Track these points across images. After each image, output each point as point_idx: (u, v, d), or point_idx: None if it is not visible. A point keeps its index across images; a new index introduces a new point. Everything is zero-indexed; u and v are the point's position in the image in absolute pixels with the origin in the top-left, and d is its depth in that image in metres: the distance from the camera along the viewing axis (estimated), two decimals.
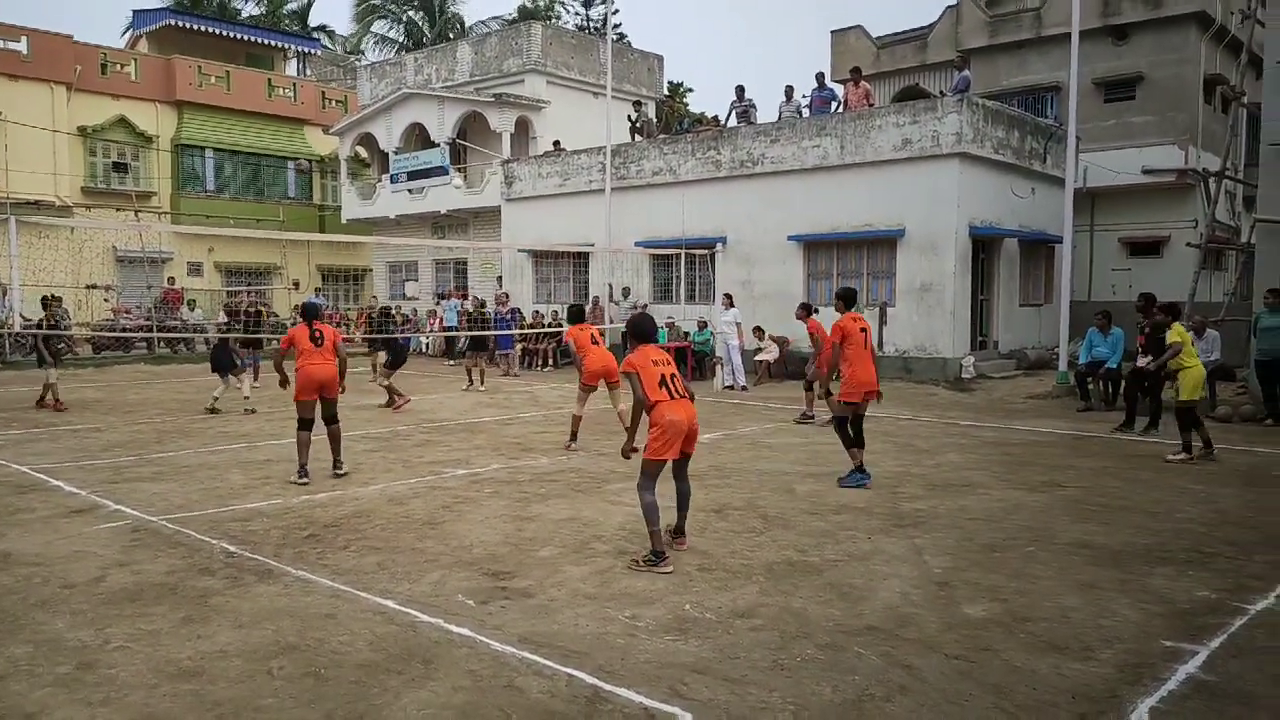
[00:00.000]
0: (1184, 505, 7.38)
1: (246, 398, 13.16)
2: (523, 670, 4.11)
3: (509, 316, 19.08)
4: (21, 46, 27.42)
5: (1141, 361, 11.41)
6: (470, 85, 27.15)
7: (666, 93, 34.02)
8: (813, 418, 12.46)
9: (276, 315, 23.46)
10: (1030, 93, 23.32)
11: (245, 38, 34.35)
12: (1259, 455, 9.80)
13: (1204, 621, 4.72)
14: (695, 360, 18.83)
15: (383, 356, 15.04)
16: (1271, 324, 11.88)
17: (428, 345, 25.78)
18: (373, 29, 42.44)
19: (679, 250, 18.58)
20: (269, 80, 33.52)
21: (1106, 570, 5.60)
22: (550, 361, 21.41)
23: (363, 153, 30.66)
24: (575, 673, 4.07)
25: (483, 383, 16.63)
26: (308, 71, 39.09)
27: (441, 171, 26.18)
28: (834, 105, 19.41)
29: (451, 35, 40.13)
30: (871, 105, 18.79)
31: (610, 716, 3.69)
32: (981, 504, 7.43)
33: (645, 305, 20.27)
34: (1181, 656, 4.27)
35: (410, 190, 27.28)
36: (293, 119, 33.84)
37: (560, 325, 20.12)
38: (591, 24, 43.58)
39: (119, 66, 30.09)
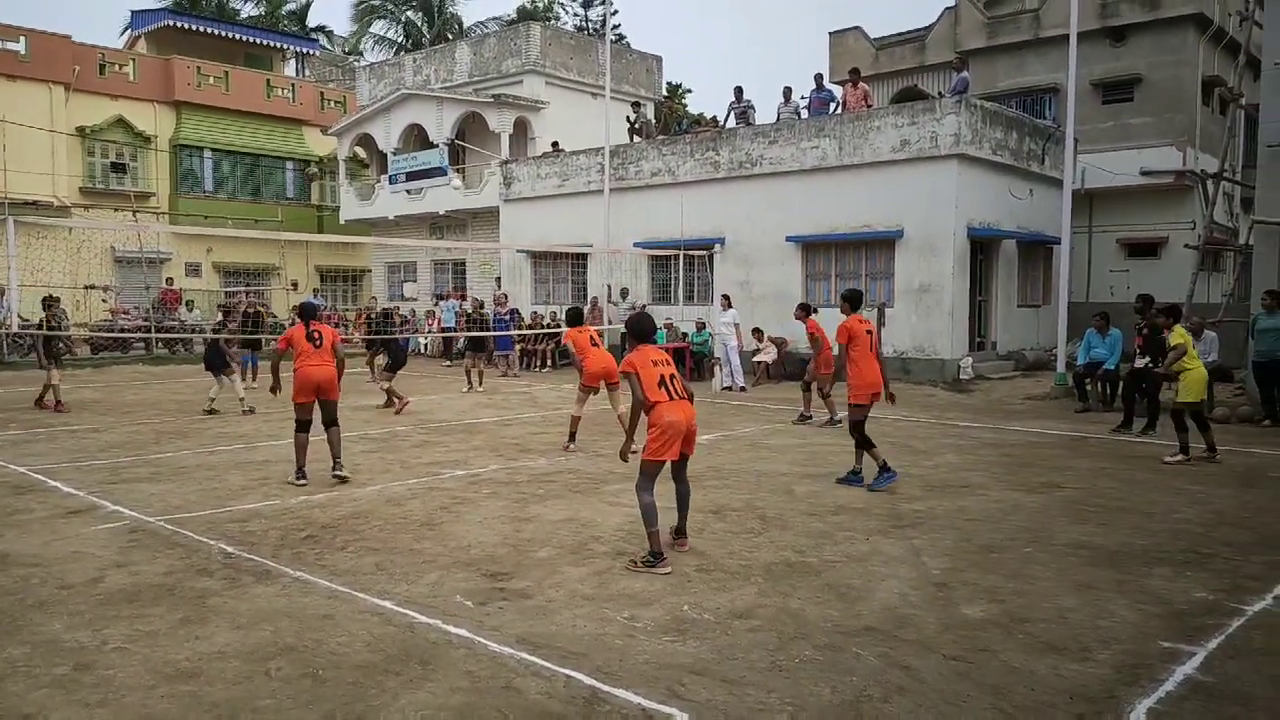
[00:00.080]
0: (1181, 506, 7.39)
1: (241, 399, 13.16)
2: (521, 671, 4.11)
3: (508, 317, 19.09)
4: (20, 46, 27.42)
5: (1140, 362, 11.43)
6: (469, 86, 27.15)
7: (665, 94, 34.02)
8: (810, 418, 12.47)
9: (275, 316, 23.47)
10: (1028, 94, 23.35)
11: (244, 38, 34.35)
12: (1256, 456, 9.81)
13: (1201, 622, 4.73)
14: (694, 361, 18.84)
15: (382, 359, 15.02)
16: (1269, 325, 11.89)
17: (426, 346, 25.78)
18: (371, 29, 42.48)
19: (677, 251, 18.58)
20: (267, 81, 33.52)
21: (1104, 571, 5.60)
22: (549, 362, 21.42)
23: (361, 153, 30.66)
24: (573, 673, 4.07)
25: (481, 383, 16.63)
26: (306, 72, 39.10)
27: (440, 172, 26.19)
28: (832, 106, 19.43)
29: (450, 36, 40.16)
30: (870, 106, 18.81)
31: (608, 717, 3.69)
32: (980, 505, 7.43)
33: (644, 306, 20.27)
34: (1179, 657, 4.27)
35: (409, 191, 27.28)
36: (291, 119, 33.84)
37: (559, 326, 20.12)
38: (590, 25, 43.61)
39: (117, 67, 30.08)
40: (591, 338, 10.53)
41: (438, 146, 26.50)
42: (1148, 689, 3.94)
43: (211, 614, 4.83)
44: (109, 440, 10.71)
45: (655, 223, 20.57)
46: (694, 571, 5.57)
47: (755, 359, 17.97)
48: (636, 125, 22.77)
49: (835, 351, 9.00)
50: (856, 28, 27.75)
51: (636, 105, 24.13)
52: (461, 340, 18.88)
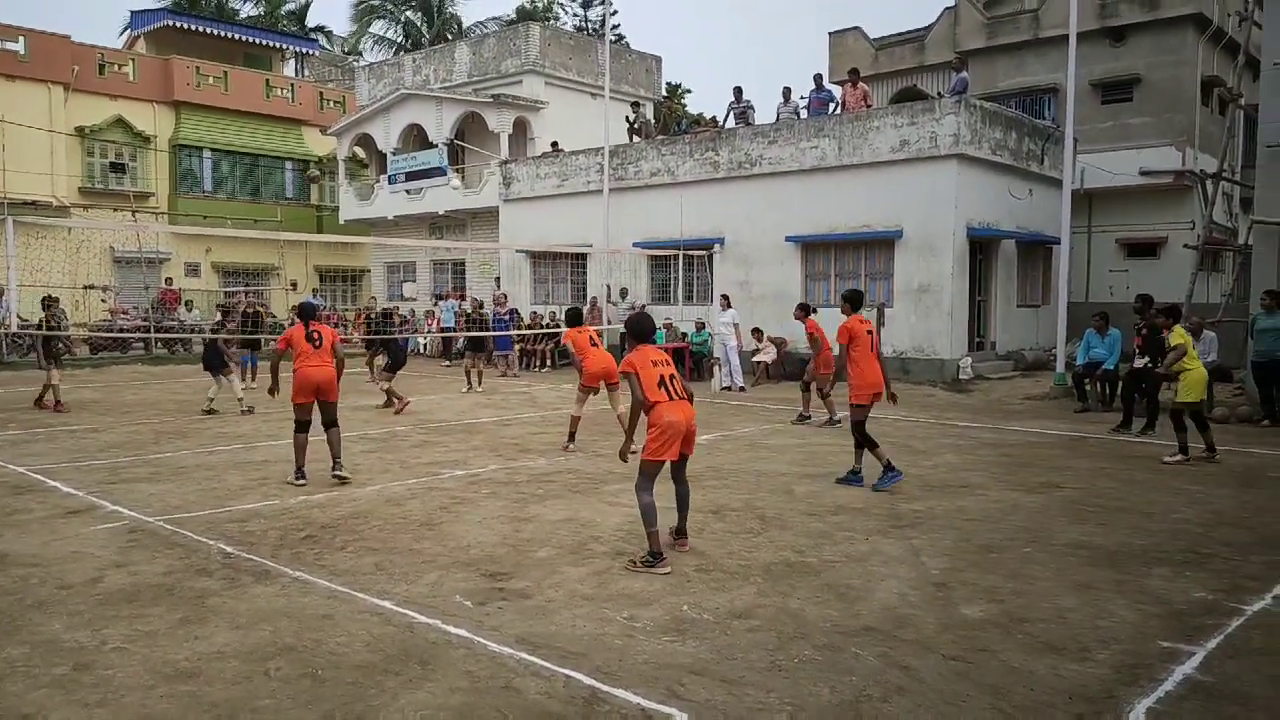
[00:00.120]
0: (1180, 506, 7.39)
1: (240, 399, 13.16)
2: (520, 671, 4.11)
3: (507, 317, 19.08)
4: (19, 46, 27.40)
5: (1139, 363, 11.43)
6: (468, 86, 27.15)
7: (665, 94, 34.03)
8: (809, 418, 12.47)
9: (274, 316, 23.46)
10: (1028, 94, 23.35)
11: (243, 38, 34.34)
12: (1255, 456, 9.82)
13: (1200, 622, 4.73)
14: (693, 361, 18.84)
15: (382, 360, 15.01)
16: (1268, 325, 11.90)
17: (425, 346, 25.78)
18: (371, 29, 42.47)
19: (677, 251, 18.58)
20: (267, 81, 33.52)
21: (1103, 571, 5.60)
22: (548, 362, 21.42)
23: (361, 153, 30.66)
24: (573, 674, 4.07)
25: (480, 384, 16.63)
26: (305, 72, 39.08)
27: (440, 172, 26.19)
28: (832, 106, 19.43)
29: (449, 36, 40.17)
30: (869, 106, 18.81)
31: (607, 717, 3.69)
32: (979, 505, 7.43)
33: (643, 306, 20.26)
34: (1178, 657, 4.28)
35: (408, 191, 27.28)
36: (291, 119, 33.84)
37: (558, 326, 20.12)
38: (590, 25, 43.62)
39: (117, 67, 30.07)
40: (591, 338, 10.53)
41: (437, 146, 26.50)
42: (1147, 689, 3.94)
43: (211, 614, 4.83)
44: (108, 440, 10.71)
45: (655, 223, 20.57)
46: (693, 571, 5.57)
47: (755, 359, 17.97)
48: (636, 125, 22.78)
49: (836, 352, 9.01)
50: (856, 28, 27.76)
51: (636, 105, 24.14)
52: (461, 340, 18.87)
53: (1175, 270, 20.13)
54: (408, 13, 42.48)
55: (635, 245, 20.50)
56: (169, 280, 27.77)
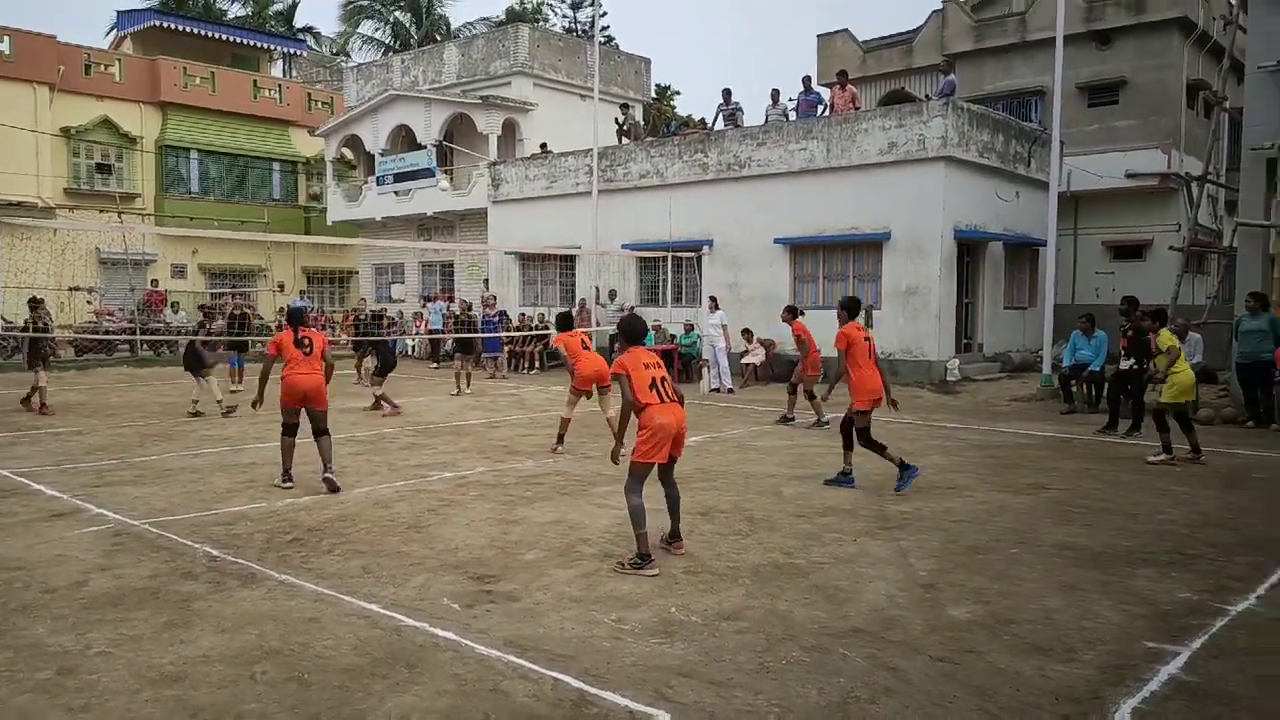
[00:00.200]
0: (1166, 507, 7.43)
1: (219, 401, 13.07)
2: (508, 674, 4.10)
3: (496, 319, 19.05)
4: (4, 46, 27.17)
5: (1124, 364, 11.50)
6: (457, 87, 27.10)
7: (654, 95, 34.04)
8: (793, 419, 12.50)
9: (261, 318, 23.35)
10: (1015, 97, 23.47)
11: (230, 39, 34.16)
12: (1240, 457, 9.89)
13: (1185, 623, 4.76)
14: (682, 363, 18.85)
15: (370, 362, 14.94)
16: (1252, 327, 12.00)
17: (414, 348, 25.71)
18: (359, 30, 42.33)
19: (666, 253, 18.59)
20: (254, 81, 33.34)
21: (1089, 572, 5.63)
22: (537, 364, 21.39)
23: (349, 154, 30.56)
24: (561, 676, 4.06)
25: (469, 385, 16.59)
26: (293, 73, 38.92)
27: (428, 173, 26.12)
28: (820, 109, 19.48)
29: (438, 37, 40.05)
30: (858, 109, 18.87)
31: None
32: (966, 506, 7.46)
33: (633, 308, 20.27)
34: (1163, 657, 4.30)
35: (396, 192, 27.20)
36: (278, 120, 33.67)
37: (547, 328, 20.09)
38: (579, 27, 43.63)
39: (103, 67, 29.87)
40: (583, 341, 10.54)
41: (426, 148, 26.43)
42: (1132, 689, 3.96)
43: (196, 618, 4.80)
44: (93, 443, 10.64)
45: (643, 224, 20.57)
46: (681, 573, 5.57)
47: (743, 361, 17.98)
48: (625, 127, 22.78)
49: (836, 357, 9.01)
50: (844, 30, 27.81)
51: (625, 107, 24.13)
52: (450, 342, 18.82)
53: (1161, 272, 20.25)
54: (396, 13, 42.35)
55: (624, 247, 20.50)
56: (154, 282, 27.61)
